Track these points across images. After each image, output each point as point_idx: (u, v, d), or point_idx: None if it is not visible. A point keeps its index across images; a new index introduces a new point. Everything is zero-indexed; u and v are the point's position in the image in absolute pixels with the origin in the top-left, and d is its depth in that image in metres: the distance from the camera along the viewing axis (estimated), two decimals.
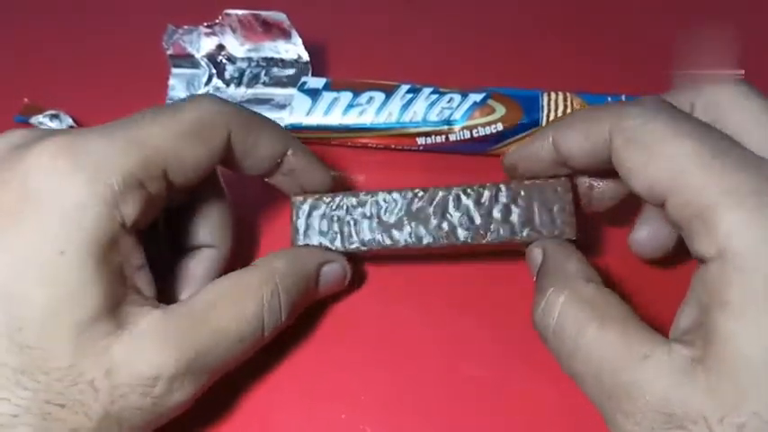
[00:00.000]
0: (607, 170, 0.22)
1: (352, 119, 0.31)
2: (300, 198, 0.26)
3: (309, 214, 0.26)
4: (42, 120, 0.33)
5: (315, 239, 0.26)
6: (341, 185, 0.30)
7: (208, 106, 0.23)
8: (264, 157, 0.25)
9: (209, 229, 0.26)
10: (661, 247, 0.26)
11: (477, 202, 0.25)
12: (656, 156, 0.20)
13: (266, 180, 0.26)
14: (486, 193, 0.25)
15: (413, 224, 0.25)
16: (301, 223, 0.26)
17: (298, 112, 0.31)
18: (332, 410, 0.26)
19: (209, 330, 0.21)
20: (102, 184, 0.20)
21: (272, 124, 0.25)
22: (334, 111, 0.31)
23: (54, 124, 0.33)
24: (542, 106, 0.30)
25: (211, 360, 0.21)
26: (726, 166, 0.18)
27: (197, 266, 0.26)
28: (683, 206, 0.19)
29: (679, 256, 0.25)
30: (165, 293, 0.24)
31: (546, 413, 0.25)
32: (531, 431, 0.25)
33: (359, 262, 0.28)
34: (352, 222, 0.25)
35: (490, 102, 0.30)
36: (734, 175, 0.18)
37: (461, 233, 0.25)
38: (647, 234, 0.26)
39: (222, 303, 0.22)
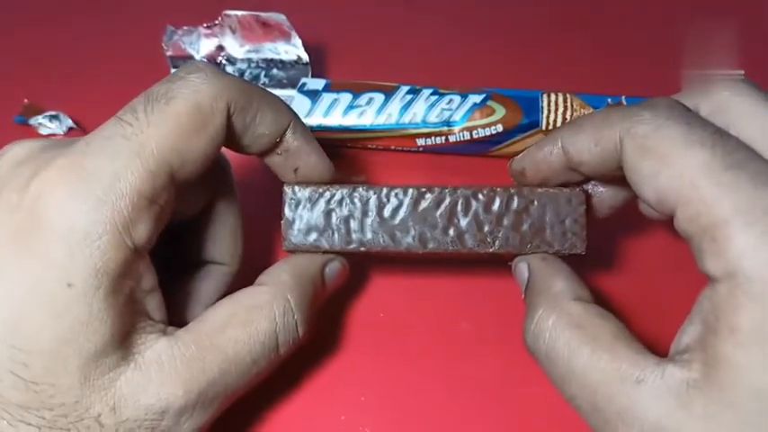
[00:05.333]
0: (618, 176, 0.22)
1: (352, 120, 0.31)
2: (293, 187, 0.24)
3: (303, 206, 0.23)
4: (42, 120, 0.33)
5: (309, 236, 0.24)
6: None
7: (203, 88, 0.20)
8: (263, 135, 0.23)
9: (221, 244, 0.25)
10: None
11: (487, 208, 0.23)
12: (667, 165, 0.19)
13: (263, 160, 0.24)
14: (497, 200, 0.23)
15: (417, 227, 0.23)
16: (293, 216, 0.23)
17: (297, 113, 0.31)
18: (332, 412, 0.26)
19: (221, 357, 0.20)
20: (109, 209, 0.18)
21: (273, 98, 0.23)
22: (334, 112, 0.31)
23: (54, 125, 0.33)
24: (542, 107, 0.30)
25: (223, 388, 0.21)
26: (740, 181, 0.17)
27: (205, 284, 0.25)
28: (692, 220, 0.18)
29: (682, 268, 0.24)
30: (170, 312, 0.23)
31: (546, 414, 0.25)
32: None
33: (356, 260, 0.28)
34: (351, 219, 0.23)
35: (490, 103, 0.30)
36: (748, 191, 0.17)
37: (468, 240, 0.23)
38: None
39: (232, 326, 0.21)
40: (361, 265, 0.29)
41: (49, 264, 0.18)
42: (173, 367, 0.20)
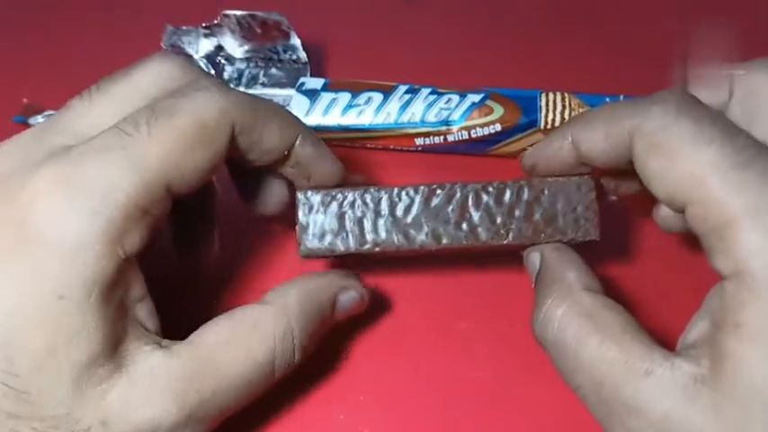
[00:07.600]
0: (631, 170, 0.22)
1: (351, 119, 0.31)
2: (306, 192, 0.24)
3: (317, 211, 0.23)
4: (42, 120, 0.33)
5: (324, 239, 0.23)
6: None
7: (208, 104, 0.20)
8: (270, 150, 0.22)
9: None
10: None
11: (498, 201, 0.23)
12: (675, 163, 0.19)
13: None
14: (508, 191, 0.23)
15: (430, 223, 0.23)
16: (308, 221, 0.23)
17: (296, 112, 0.31)
18: (330, 411, 0.26)
19: (216, 376, 0.20)
20: (103, 219, 0.18)
21: (281, 114, 0.23)
22: (333, 111, 0.31)
23: None
24: (541, 107, 0.30)
25: (216, 406, 0.20)
26: (747, 180, 0.18)
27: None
28: (701, 219, 0.19)
29: (694, 263, 0.25)
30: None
31: (545, 414, 0.25)
32: None
33: (366, 263, 0.28)
34: (364, 220, 0.23)
35: (489, 102, 0.30)
36: (756, 190, 0.17)
37: (482, 233, 0.23)
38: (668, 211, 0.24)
39: (230, 346, 0.21)
40: (363, 266, 0.29)
41: (40, 276, 0.18)
42: (167, 383, 0.19)
